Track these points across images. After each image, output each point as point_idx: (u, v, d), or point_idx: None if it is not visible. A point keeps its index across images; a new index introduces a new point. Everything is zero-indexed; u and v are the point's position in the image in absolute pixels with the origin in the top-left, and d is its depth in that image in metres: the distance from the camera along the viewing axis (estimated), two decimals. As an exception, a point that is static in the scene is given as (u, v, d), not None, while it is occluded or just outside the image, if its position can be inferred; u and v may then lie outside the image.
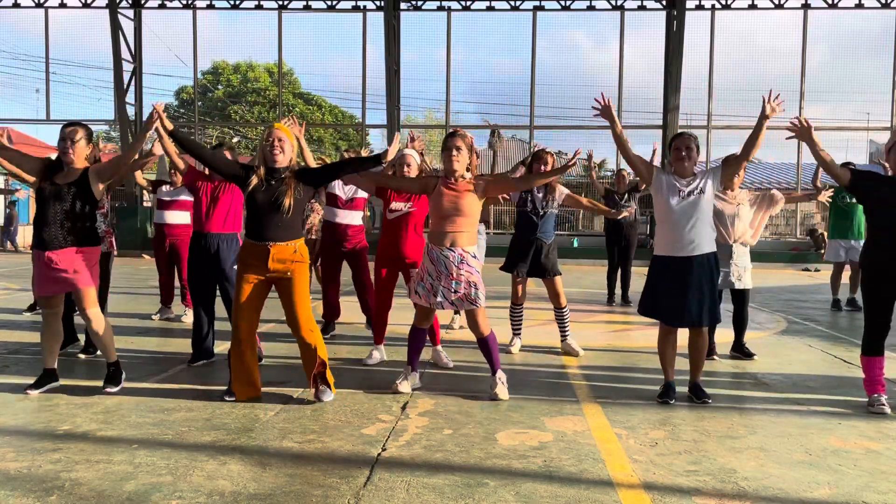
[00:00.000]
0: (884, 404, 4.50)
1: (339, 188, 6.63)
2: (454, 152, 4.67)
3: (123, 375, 4.79)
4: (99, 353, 5.88)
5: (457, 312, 7.05)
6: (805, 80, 18.40)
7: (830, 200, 9.14)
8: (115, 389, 4.67)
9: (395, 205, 5.60)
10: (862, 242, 9.04)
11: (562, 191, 6.13)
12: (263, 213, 4.44)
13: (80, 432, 3.88)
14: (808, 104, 18.49)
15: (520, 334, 6.29)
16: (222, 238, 5.52)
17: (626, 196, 9.62)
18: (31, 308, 8.05)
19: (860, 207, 8.98)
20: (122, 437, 3.80)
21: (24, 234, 21.84)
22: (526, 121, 19.28)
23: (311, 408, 4.40)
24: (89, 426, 3.99)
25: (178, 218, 7.62)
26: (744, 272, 5.94)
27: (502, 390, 4.67)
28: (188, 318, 7.72)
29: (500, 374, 4.76)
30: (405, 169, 5.58)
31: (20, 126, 32.63)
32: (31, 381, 4.76)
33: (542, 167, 5.99)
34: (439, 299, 4.65)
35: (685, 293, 4.53)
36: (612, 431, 4.01)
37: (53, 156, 6.83)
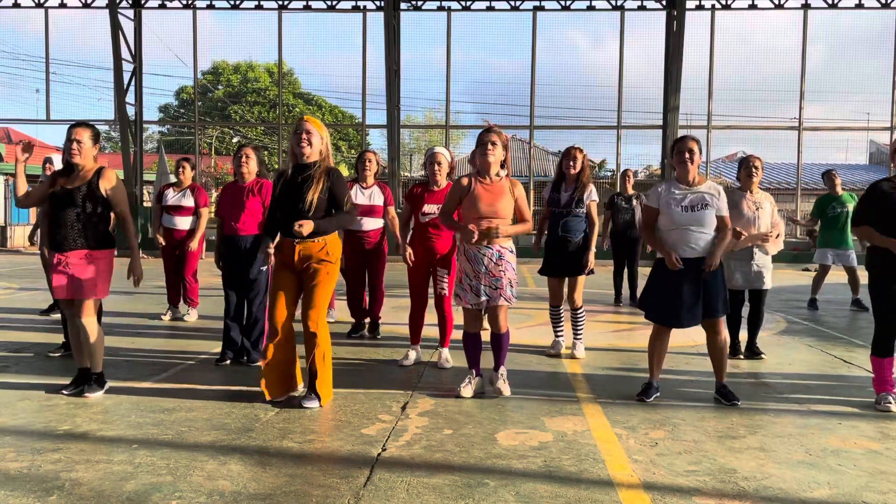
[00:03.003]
0: (890, 402, 4.52)
1: (359, 195, 6.58)
2: (489, 146, 4.60)
3: (107, 385, 4.71)
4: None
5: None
6: (805, 80, 18.40)
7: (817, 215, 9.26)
8: (96, 394, 4.58)
9: (427, 207, 5.63)
10: (850, 250, 9.06)
11: (590, 194, 5.96)
12: (289, 210, 4.39)
13: (80, 432, 3.88)
14: (808, 104, 18.51)
15: (562, 335, 6.25)
16: (253, 240, 5.59)
17: (632, 199, 9.45)
18: (48, 311, 7.92)
19: (847, 216, 9.00)
20: (122, 437, 3.80)
21: (24, 234, 21.84)
22: (526, 121, 19.25)
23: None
24: (89, 426, 3.99)
25: (184, 223, 7.65)
26: (765, 271, 5.94)
27: (506, 387, 4.68)
28: (191, 318, 7.74)
29: (503, 370, 4.75)
30: (435, 167, 5.59)
31: (20, 126, 32.69)
32: (31, 381, 4.75)
33: (571, 163, 5.88)
34: (483, 298, 4.63)
35: (690, 294, 4.53)
36: (612, 431, 4.01)
37: (55, 156, 6.78)
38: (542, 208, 6.18)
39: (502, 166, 4.70)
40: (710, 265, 4.51)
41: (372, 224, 6.64)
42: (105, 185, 4.58)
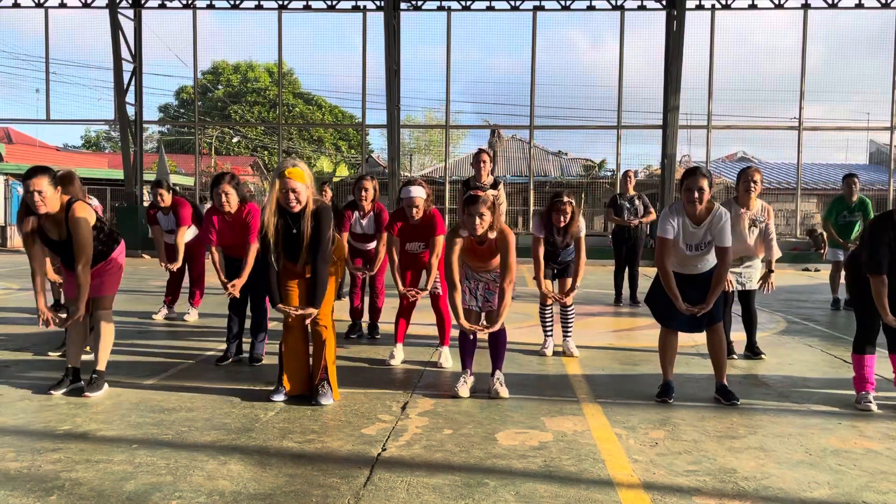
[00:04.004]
0: (871, 402, 4.55)
1: (358, 226, 6.70)
2: (477, 220, 4.55)
3: (106, 386, 4.73)
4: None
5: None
6: (805, 80, 18.39)
7: (829, 220, 9.32)
8: (96, 394, 4.59)
9: (409, 246, 5.85)
10: None
11: (577, 233, 5.91)
12: (295, 249, 4.48)
13: (80, 432, 3.88)
14: (808, 104, 18.50)
15: (551, 335, 6.26)
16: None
17: (634, 199, 9.57)
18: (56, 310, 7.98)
19: (858, 221, 9.06)
20: (122, 437, 3.80)
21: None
22: (526, 121, 19.24)
23: (311, 408, 4.40)
24: (89, 426, 3.99)
25: (184, 239, 7.67)
26: (753, 271, 5.97)
27: (503, 390, 4.70)
28: (191, 318, 7.75)
29: (499, 374, 4.78)
30: (413, 211, 5.63)
31: (20, 126, 32.73)
32: (31, 381, 4.74)
33: (562, 218, 5.75)
34: (489, 300, 4.85)
35: (693, 302, 4.59)
36: (612, 431, 4.01)
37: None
38: (536, 209, 6.21)
39: (492, 227, 4.65)
40: (703, 309, 4.55)
41: (373, 244, 6.81)
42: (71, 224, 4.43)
